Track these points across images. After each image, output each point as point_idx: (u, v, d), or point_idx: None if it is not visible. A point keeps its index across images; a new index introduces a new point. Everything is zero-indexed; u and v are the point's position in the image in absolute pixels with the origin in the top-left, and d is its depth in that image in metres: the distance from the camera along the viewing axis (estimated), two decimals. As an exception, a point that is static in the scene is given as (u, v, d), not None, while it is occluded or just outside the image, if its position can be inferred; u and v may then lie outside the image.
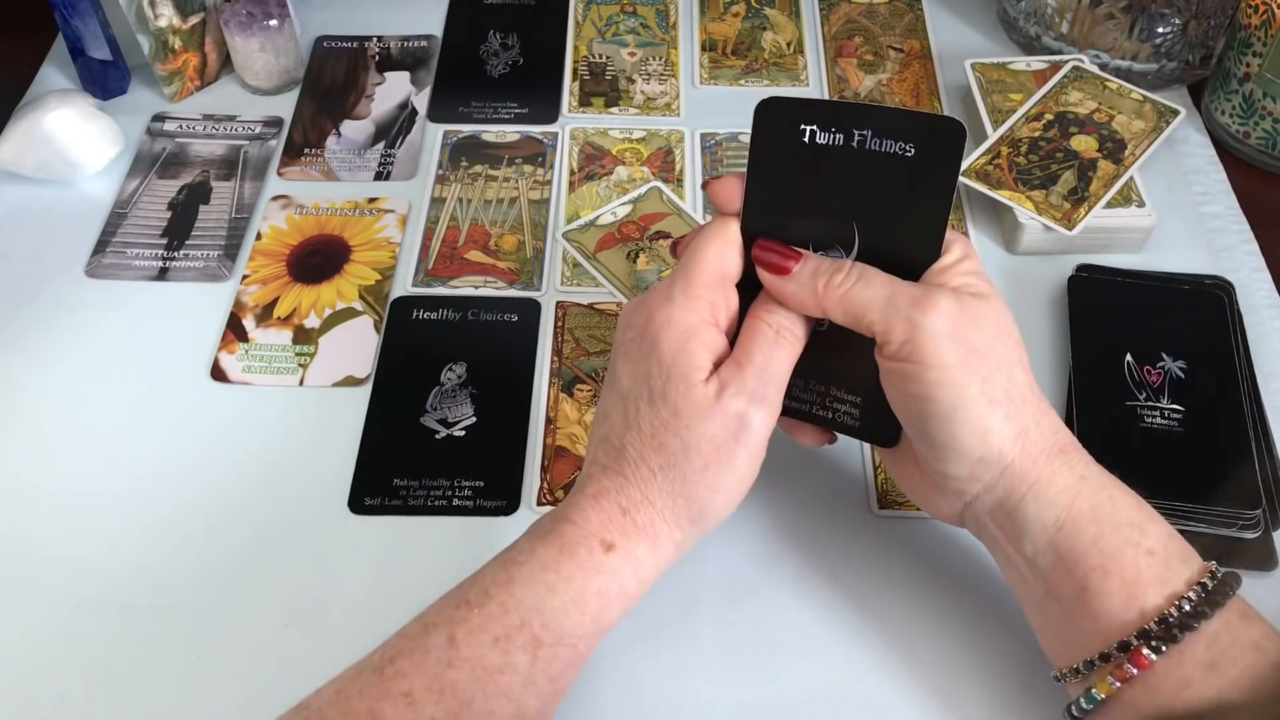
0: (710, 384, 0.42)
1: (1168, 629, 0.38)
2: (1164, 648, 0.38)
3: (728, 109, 0.72)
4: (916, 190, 0.42)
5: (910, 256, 0.43)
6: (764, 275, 0.43)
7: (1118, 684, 0.39)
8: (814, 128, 0.41)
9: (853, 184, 0.42)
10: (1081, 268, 0.62)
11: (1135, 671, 0.39)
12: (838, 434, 0.47)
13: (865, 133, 0.41)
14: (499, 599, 0.40)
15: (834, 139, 0.41)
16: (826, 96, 0.73)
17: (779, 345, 0.42)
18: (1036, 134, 0.65)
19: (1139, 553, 0.40)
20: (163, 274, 0.63)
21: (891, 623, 0.49)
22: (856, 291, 0.41)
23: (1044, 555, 0.41)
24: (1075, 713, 0.42)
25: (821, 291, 0.42)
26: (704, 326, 0.42)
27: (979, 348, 0.40)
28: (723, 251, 0.43)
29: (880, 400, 0.43)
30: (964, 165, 0.64)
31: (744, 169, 0.44)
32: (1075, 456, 0.42)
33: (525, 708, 0.39)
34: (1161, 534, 0.41)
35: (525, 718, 0.40)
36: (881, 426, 0.45)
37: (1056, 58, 0.71)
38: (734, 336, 0.44)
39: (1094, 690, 0.40)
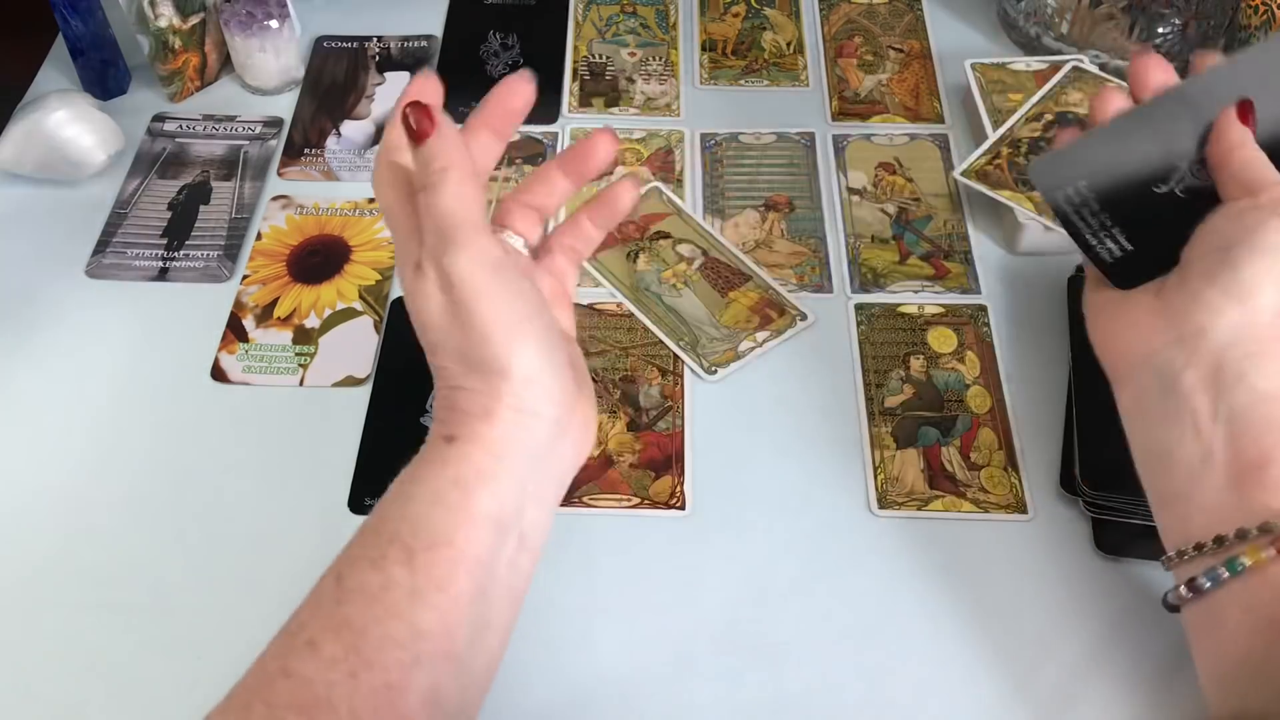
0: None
1: None
2: None
3: (728, 109, 0.72)
4: None
5: None
6: (1226, 121, 0.46)
7: (1275, 553, 0.39)
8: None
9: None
10: (1081, 268, 0.62)
11: None
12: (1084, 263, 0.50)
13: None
14: (370, 525, 0.40)
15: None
16: (826, 99, 0.73)
17: (444, 192, 0.41)
18: (1037, 134, 0.65)
19: None
20: (163, 274, 0.63)
21: (891, 623, 0.49)
22: (1254, 160, 0.44)
23: (1239, 417, 0.41)
24: (1203, 583, 0.41)
25: (1238, 144, 0.45)
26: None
27: None
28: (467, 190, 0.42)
29: (1149, 257, 0.46)
30: (965, 165, 0.64)
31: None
32: None
33: (420, 621, 0.38)
34: None
35: (425, 633, 0.38)
36: (1130, 272, 0.47)
37: (1056, 58, 0.71)
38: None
39: (1240, 558, 0.40)
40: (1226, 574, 0.40)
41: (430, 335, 0.41)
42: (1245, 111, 0.46)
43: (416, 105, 0.42)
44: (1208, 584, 0.41)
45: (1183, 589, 0.41)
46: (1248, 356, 0.42)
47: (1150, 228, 0.47)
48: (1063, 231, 0.49)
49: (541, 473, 0.42)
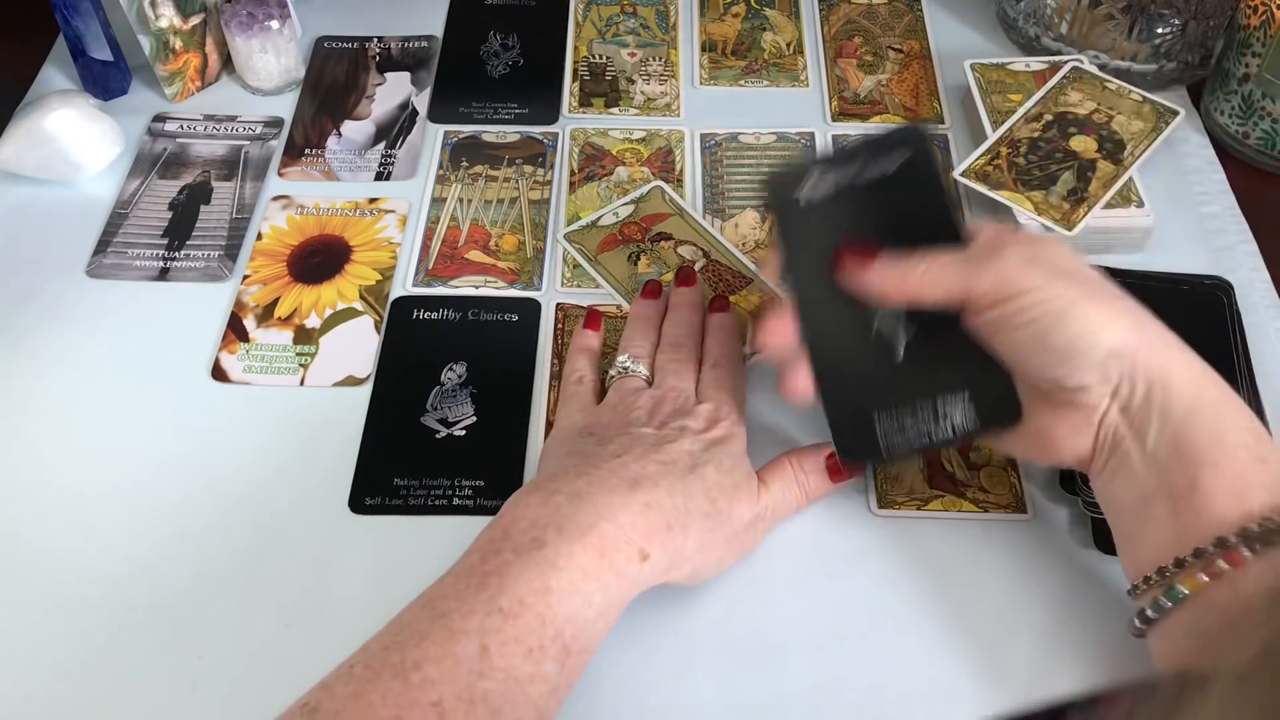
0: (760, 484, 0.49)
1: (1268, 533, 0.39)
2: (1259, 549, 0.38)
3: (728, 109, 0.73)
4: (914, 197, 0.45)
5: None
6: (848, 272, 0.46)
7: (1205, 578, 0.39)
8: (803, 193, 0.45)
9: (860, 219, 0.46)
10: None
11: (1227, 568, 0.39)
12: (956, 447, 0.50)
13: (846, 171, 0.45)
14: (536, 609, 0.39)
15: (826, 187, 0.45)
16: (825, 100, 0.73)
17: (791, 490, 0.50)
18: (1036, 134, 0.66)
19: (1252, 457, 0.40)
20: (163, 274, 0.63)
21: (891, 623, 0.49)
22: (934, 268, 0.44)
23: (1165, 447, 0.41)
24: (1149, 614, 0.42)
25: (903, 278, 0.45)
26: None
27: (1065, 268, 0.43)
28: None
29: (986, 376, 0.45)
30: (965, 166, 0.64)
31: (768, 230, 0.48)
32: (1191, 352, 0.43)
33: (547, 713, 0.40)
34: (1272, 447, 0.41)
35: (543, 717, 0.40)
36: (1002, 404, 0.46)
37: (1056, 58, 0.71)
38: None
39: (1179, 586, 0.40)
40: (1169, 603, 0.41)
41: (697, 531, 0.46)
42: (848, 247, 0.46)
43: None
44: (1153, 614, 0.42)
45: (1136, 621, 0.43)
46: (1152, 386, 0.42)
47: (951, 360, 0.46)
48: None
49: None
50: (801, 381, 0.48)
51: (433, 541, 0.52)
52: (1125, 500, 0.43)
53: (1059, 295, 0.42)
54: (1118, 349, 0.42)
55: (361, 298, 0.62)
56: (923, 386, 0.47)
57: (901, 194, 0.45)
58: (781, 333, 0.48)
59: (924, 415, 0.47)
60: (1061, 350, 0.42)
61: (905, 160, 0.45)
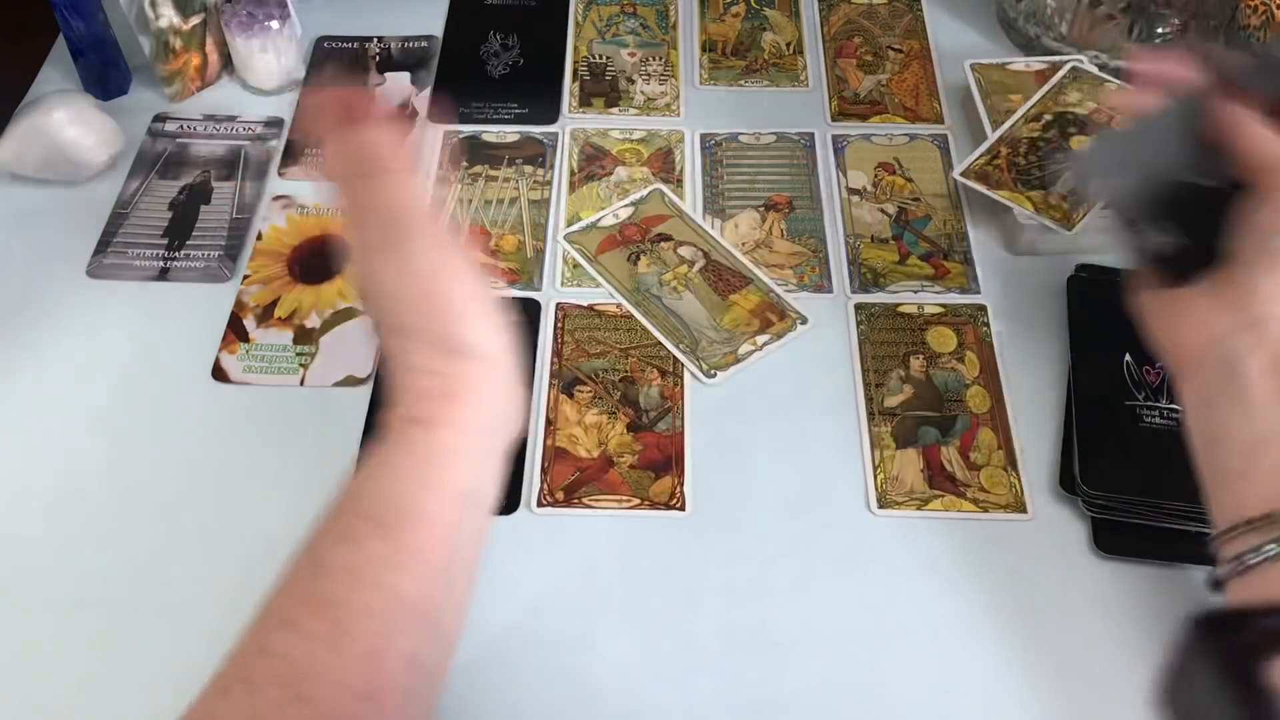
0: None
1: None
2: None
3: (728, 109, 0.73)
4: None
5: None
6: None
7: None
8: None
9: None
10: (1081, 268, 0.62)
11: None
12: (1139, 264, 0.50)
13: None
14: (343, 506, 0.41)
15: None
16: (825, 100, 0.73)
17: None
18: (1036, 134, 0.66)
19: None
20: (164, 274, 0.63)
21: (890, 623, 0.49)
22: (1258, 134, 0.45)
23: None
24: (1249, 559, 0.41)
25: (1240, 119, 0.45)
26: None
27: None
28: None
29: (1195, 251, 0.46)
30: (965, 165, 0.64)
31: None
32: None
33: (399, 590, 0.39)
34: None
35: (403, 600, 0.39)
36: (1180, 267, 0.47)
37: (1056, 58, 0.71)
38: None
39: None
40: (1274, 549, 0.40)
41: (401, 318, 0.43)
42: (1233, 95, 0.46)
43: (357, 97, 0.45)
44: (1254, 559, 0.41)
45: (1229, 566, 0.42)
46: None
47: (1191, 221, 0.48)
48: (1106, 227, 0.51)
49: (493, 443, 0.44)
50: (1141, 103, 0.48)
51: (433, 541, 0.52)
52: (1232, 436, 0.43)
53: None
54: None
55: (361, 298, 0.62)
56: (1173, 203, 0.48)
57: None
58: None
59: (1146, 214, 0.48)
60: None
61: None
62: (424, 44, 0.77)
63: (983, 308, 0.61)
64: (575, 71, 0.75)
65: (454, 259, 0.44)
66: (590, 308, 0.61)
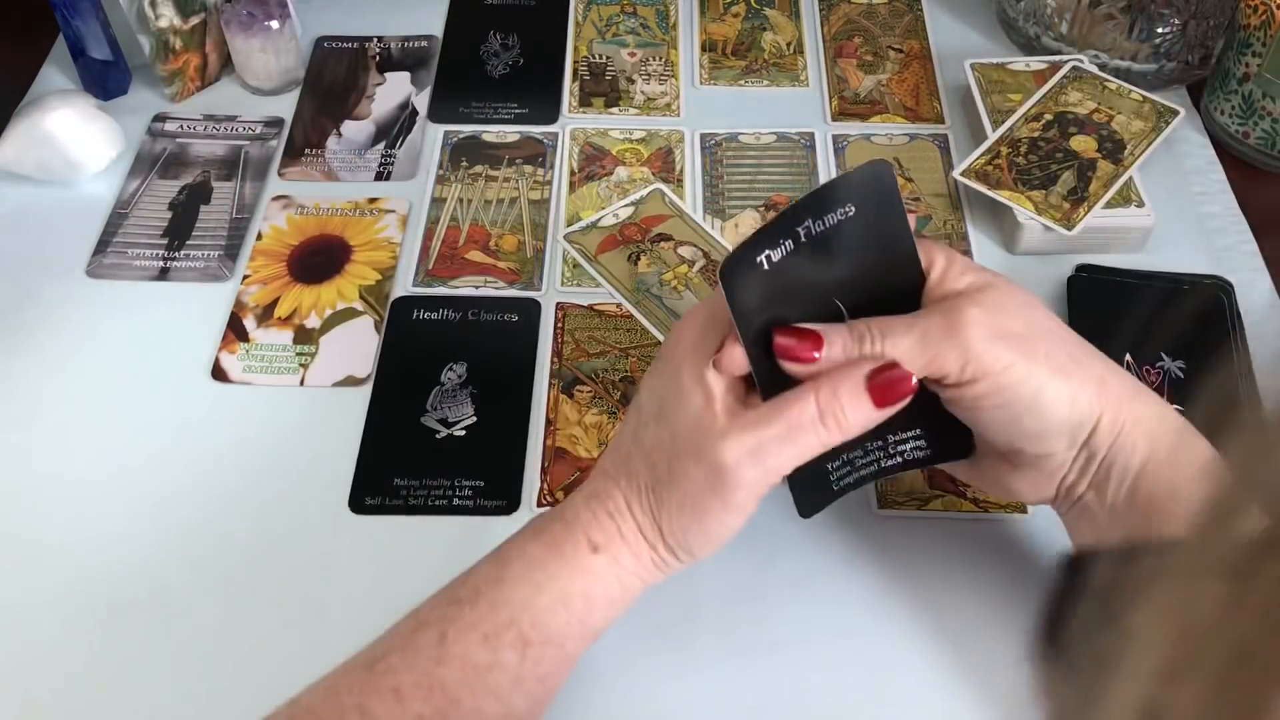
0: (724, 415, 0.40)
1: None
2: None
3: (728, 109, 0.73)
4: (876, 236, 0.42)
5: (899, 290, 0.43)
6: (791, 366, 0.41)
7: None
8: (766, 253, 0.40)
9: (822, 269, 0.42)
10: (1081, 268, 0.62)
11: None
12: (907, 471, 0.46)
13: (805, 225, 0.41)
14: (489, 596, 0.40)
15: (785, 247, 0.41)
16: (825, 100, 0.73)
17: (813, 430, 0.40)
18: (1036, 134, 0.66)
19: None
20: (163, 274, 0.63)
21: (891, 623, 0.49)
22: (889, 350, 0.40)
23: (1123, 501, 0.42)
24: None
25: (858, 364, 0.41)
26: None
27: (1023, 332, 0.41)
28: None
29: (941, 419, 0.43)
30: (965, 165, 0.64)
31: (740, 241, 0.42)
32: (1151, 397, 0.43)
33: (513, 707, 0.40)
34: None
35: (513, 716, 0.40)
36: (954, 441, 0.45)
37: (1056, 58, 0.71)
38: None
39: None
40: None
41: (665, 472, 0.41)
42: (782, 339, 0.41)
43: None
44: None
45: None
46: (1111, 447, 0.41)
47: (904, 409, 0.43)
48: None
49: (640, 594, 0.44)
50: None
51: (433, 541, 0.52)
52: (1088, 539, 0.44)
53: (1030, 376, 0.40)
54: (1083, 419, 0.41)
55: (361, 298, 0.62)
56: (874, 430, 0.43)
57: (863, 235, 0.42)
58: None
59: (874, 450, 0.45)
60: (1033, 430, 0.41)
61: (865, 200, 0.41)
62: (424, 44, 0.77)
63: (983, 307, 0.61)
64: (575, 71, 0.75)
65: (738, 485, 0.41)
66: (590, 308, 0.61)
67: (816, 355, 0.40)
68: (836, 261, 0.42)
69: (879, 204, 0.42)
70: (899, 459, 0.45)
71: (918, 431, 0.45)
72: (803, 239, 0.41)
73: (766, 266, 0.41)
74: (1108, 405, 0.41)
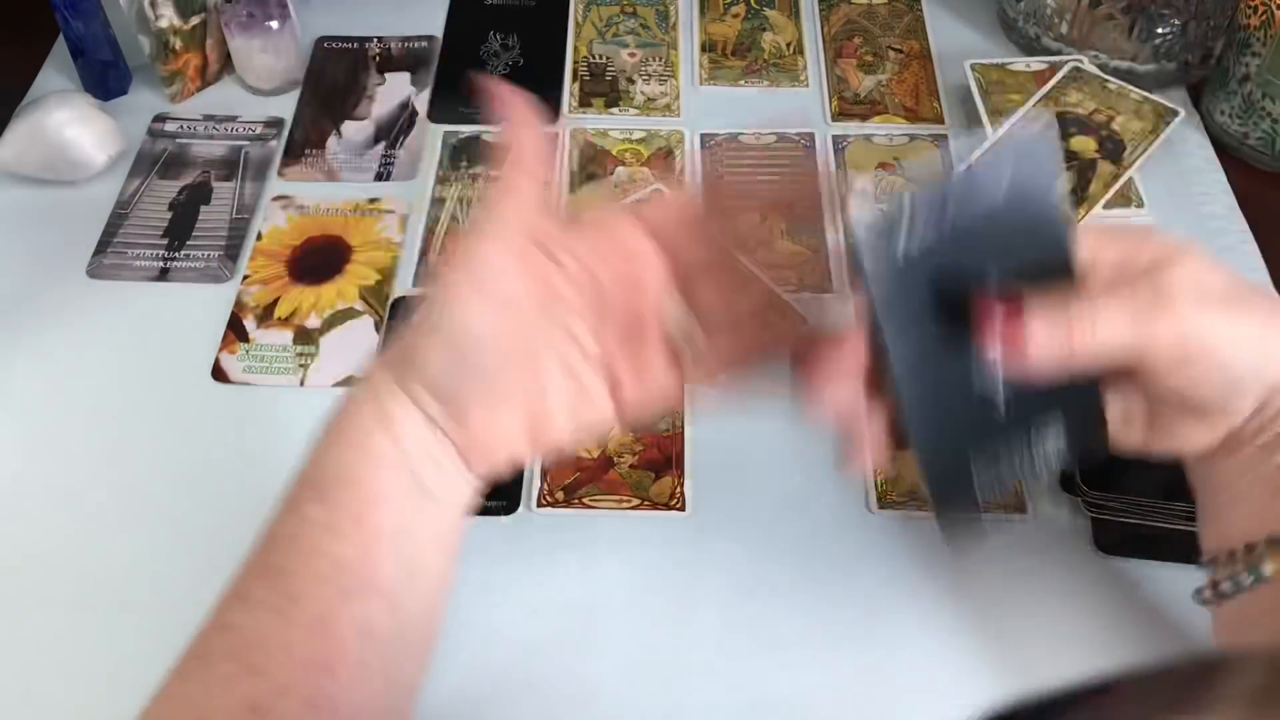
0: None
1: None
2: None
3: (728, 110, 0.73)
4: (1026, 213, 0.38)
5: (1057, 274, 0.39)
6: (999, 342, 0.37)
7: None
8: (902, 241, 0.36)
9: (963, 264, 0.38)
10: (1081, 268, 0.62)
11: None
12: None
13: (951, 214, 0.37)
14: (294, 478, 0.41)
15: (924, 239, 0.37)
16: (825, 97, 0.73)
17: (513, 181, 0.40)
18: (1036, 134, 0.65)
19: None
20: (164, 274, 0.63)
21: (891, 622, 0.49)
22: (1102, 325, 0.36)
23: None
24: (1225, 589, 0.40)
25: (1074, 344, 0.37)
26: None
27: (1224, 293, 0.38)
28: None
29: (1085, 408, 0.41)
30: (965, 166, 0.64)
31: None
32: None
33: (340, 555, 0.38)
34: None
35: (346, 565, 0.38)
36: (1093, 438, 0.42)
37: (1056, 58, 0.71)
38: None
39: (1265, 566, 0.39)
40: (1250, 580, 0.39)
41: (460, 347, 0.39)
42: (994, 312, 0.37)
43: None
44: (1230, 589, 0.40)
45: (1207, 592, 0.41)
46: (1277, 409, 0.39)
47: (1046, 397, 0.40)
48: None
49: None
50: (869, 454, 0.39)
51: (433, 542, 0.52)
52: (1227, 478, 0.41)
53: (1247, 340, 0.37)
54: (1275, 383, 0.38)
55: (362, 298, 0.62)
56: (1016, 435, 0.41)
57: (1012, 225, 0.37)
58: (847, 372, 0.38)
59: (1018, 448, 0.41)
60: (1222, 390, 0.38)
61: (1015, 178, 0.37)
62: (424, 44, 0.77)
63: (983, 308, 0.61)
64: (575, 71, 0.75)
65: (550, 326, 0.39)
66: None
67: (1022, 344, 0.37)
68: (980, 255, 0.38)
69: (1030, 173, 0.37)
70: (1041, 461, 0.42)
71: (1059, 429, 0.41)
72: (947, 229, 0.37)
73: (903, 262, 0.37)
74: None
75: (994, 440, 0.41)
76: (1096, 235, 0.39)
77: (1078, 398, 0.40)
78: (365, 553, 0.39)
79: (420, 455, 0.40)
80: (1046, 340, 0.37)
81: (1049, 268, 0.38)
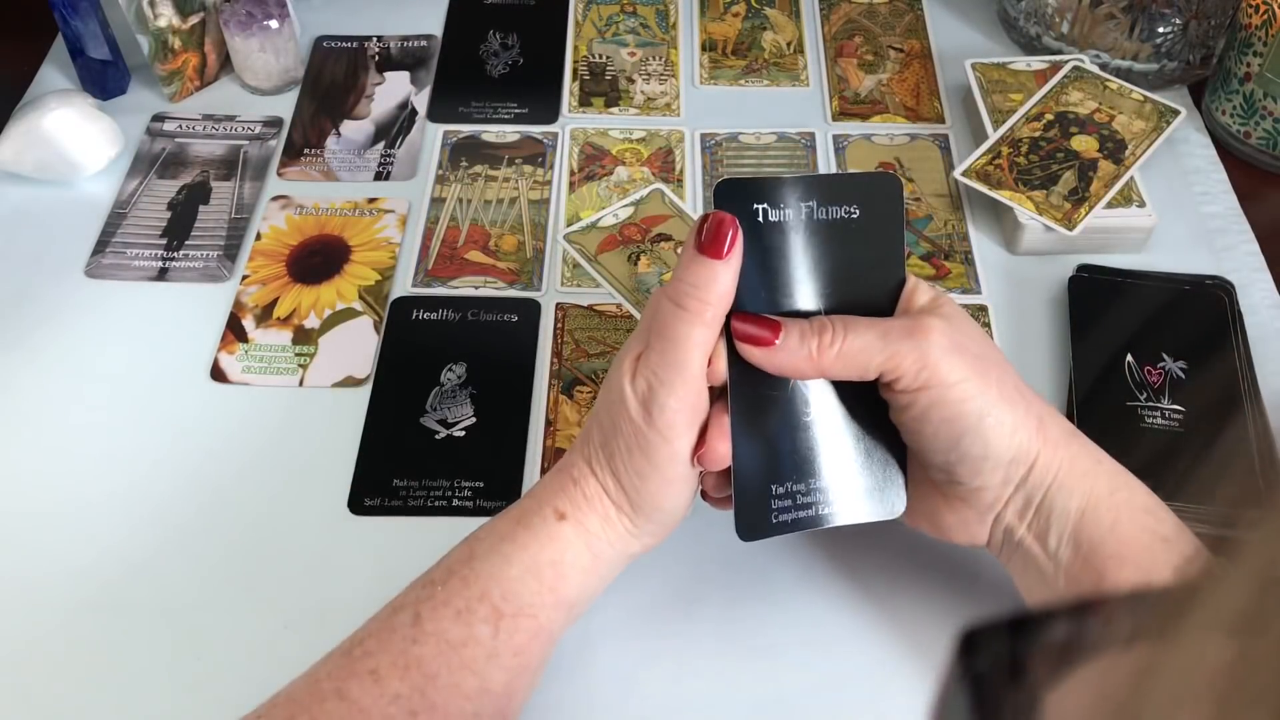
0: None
1: None
2: None
3: (728, 109, 0.72)
4: (870, 247, 0.43)
5: (874, 306, 0.43)
6: (748, 350, 0.41)
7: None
8: (765, 206, 0.41)
9: (810, 254, 0.43)
10: (1082, 268, 0.62)
11: None
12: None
13: (811, 204, 0.42)
14: (460, 574, 0.41)
15: (784, 215, 0.42)
16: (826, 99, 0.73)
17: (683, 320, 0.41)
18: (1037, 134, 0.65)
19: (1154, 540, 0.40)
20: (162, 274, 0.63)
21: (892, 623, 0.49)
22: (851, 343, 0.41)
23: (1066, 546, 0.41)
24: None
25: (816, 354, 0.41)
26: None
27: (980, 354, 0.41)
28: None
29: (885, 466, 0.44)
30: (965, 165, 0.64)
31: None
32: (1086, 441, 0.43)
33: (490, 680, 0.40)
34: (1174, 523, 0.41)
35: (491, 691, 0.40)
36: (887, 499, 0.45)
37: (1057, 58, 0.71)
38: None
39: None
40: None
41: (614, 439, 0.42)
42: (741, 324, 0.41)
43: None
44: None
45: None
46: (1049, 489, 0.41)
47: (846, 442, 0.44)
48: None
49: (619, 569, 0.45)
50: (721, 446, 0.42)
51: (432, 543, 0.51)
52: (1040, 596, 0.44)
53: (979, 395, 0.40)
54: (1020, 454, 0.41)
55: (361, 298, 0.62)
56: (815, 462, 0.44)
57: (859, 240, 0.42)
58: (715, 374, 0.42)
59: (814, 491, 0.44)
60: (972, 454, 0.41)
61: (872, 207, 0.42)
62: (423, 43, 0.77)
63: (983, 308, 0.61)
64: (575, 71, 0.75)
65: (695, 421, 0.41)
66: (590, 308, 0.61)
67: (775, 342, 0.41)
68: (826, 256, 0.43)
69: (883, 217, 0.43)
70: (830, 513, 0.44)
71: (860, 482, 0.45)
72: (803, 216, 0.42)
73: (761, 220, 0.42)
74: (1045, 445, 0.41)
75: (795, 473, 0.44)
76: (911, 278, 0.44)
77: (879, 460, 0.44)
78: (510, 683, 0.41)
79: (598, 588, 0.44)
80: (796, 345, 0.41)
81: (877, 289, 0.43)
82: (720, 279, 0.40)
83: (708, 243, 0.40)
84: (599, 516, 0.43)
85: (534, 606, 0.41)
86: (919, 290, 0.44)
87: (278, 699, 0.40)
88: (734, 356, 0.42)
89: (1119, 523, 0.41)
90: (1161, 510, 0.42)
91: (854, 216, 0.42)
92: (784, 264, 0.43)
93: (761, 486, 0.43)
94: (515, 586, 0.41)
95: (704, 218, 0.41)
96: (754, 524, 0.43)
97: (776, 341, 0.41)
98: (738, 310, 0.42)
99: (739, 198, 0.41)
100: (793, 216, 0.42)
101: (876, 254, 0.43)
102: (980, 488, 0.42)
